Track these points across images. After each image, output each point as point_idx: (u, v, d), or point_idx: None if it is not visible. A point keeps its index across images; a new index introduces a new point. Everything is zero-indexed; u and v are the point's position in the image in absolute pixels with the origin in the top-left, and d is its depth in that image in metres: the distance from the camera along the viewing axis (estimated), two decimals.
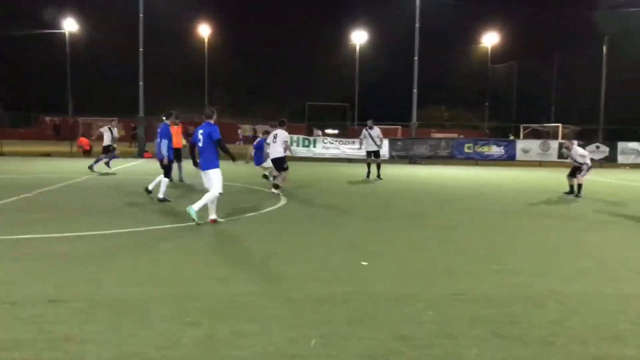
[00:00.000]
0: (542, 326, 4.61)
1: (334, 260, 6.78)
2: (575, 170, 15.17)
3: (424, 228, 9.45)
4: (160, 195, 11.56)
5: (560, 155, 29.04)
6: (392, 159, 27.79)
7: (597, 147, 29.40)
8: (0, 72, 53.80)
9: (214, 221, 8.95)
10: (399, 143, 29.01)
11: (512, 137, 36.50)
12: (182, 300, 5.01)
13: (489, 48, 57.77)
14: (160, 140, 11.88)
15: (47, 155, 27.02)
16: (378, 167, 18.42)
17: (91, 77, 56.22)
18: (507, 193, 15.63)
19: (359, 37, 55.55)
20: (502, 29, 56.02)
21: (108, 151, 18.75)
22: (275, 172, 14.04)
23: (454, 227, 9.47)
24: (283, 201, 12.14)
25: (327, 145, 28.35)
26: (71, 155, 27.01)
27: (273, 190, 13.37)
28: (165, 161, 11.83)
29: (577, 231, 9.38)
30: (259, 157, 15.78)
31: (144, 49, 27.87)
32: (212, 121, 8.97)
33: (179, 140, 16.57)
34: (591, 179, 20.53)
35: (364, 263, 6.62)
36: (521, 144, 29.26)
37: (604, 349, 4.17)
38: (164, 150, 11.81)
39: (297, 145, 28.02)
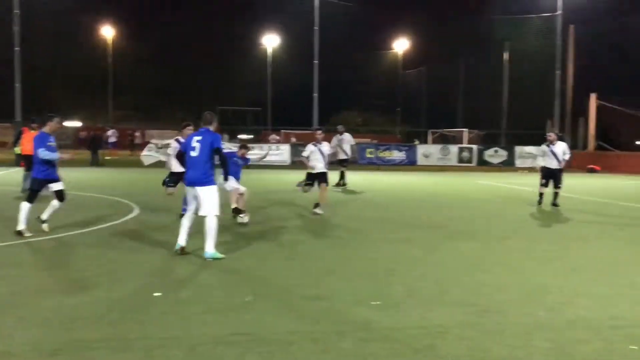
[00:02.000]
0: None
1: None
2: (549, 176, 13.30)
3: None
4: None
5: (461, 160, 29.19)
6: (293, 165, 26.94)
7: (496, 151, 29.71)
8: None
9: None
10: (300, 148, 28.15)
11: (416, 142, 36.53)
12: None
13: (400, 54, 58.52)
14: None
15: None
16: (341, 175, 17.19)
17: None
18: (389, 199, 14.98)
19: (270, 41, 54.75)
20: (412, 35, 56.83)
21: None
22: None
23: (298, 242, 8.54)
24: (134, 213, 10.90)
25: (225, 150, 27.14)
26: None
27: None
28: None
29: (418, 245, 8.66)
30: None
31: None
32: (211, 128, 7.27)
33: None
34: (486, 183, 20.47)
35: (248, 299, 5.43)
36: (422, 149, 29.16)
37: None
38: None
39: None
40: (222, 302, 5.32)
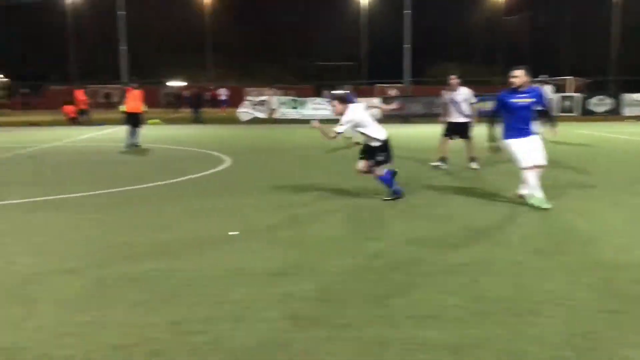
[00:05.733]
0: None
1: (204, 230, 6.25)
2: None
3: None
4: None
5: (563, 109, 27.80)
6: (385, 118, 26.99)
7: (601, 99, 28.02)
8: (8, 42, 53.05)
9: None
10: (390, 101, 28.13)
11: None
12: None
13: None
14: None
15: (35, 124, 26.74)
16: None
17: (94, 42, 55.59)
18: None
19: None
20: None
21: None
22: None
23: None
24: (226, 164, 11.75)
25: (317, 107, 27.62)
26: (53, 123, 26.68)
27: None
28: None
29: None
30: None
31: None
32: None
33: (138, 105, 16.14)
34: (587, 132, 19.55)
35: (232, 233, 6.05)
36: None
37: None
38: None
39: (287, 107, 27.48)
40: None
